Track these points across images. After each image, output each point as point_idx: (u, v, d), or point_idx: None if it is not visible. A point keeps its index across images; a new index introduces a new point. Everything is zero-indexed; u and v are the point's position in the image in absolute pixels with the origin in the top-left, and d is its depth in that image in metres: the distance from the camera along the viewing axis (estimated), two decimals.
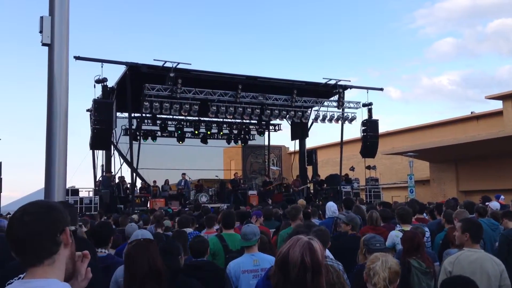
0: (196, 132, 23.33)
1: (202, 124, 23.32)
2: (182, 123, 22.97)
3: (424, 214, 8.37)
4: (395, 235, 5.75)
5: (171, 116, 20.98)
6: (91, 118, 17.42)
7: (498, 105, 26.84)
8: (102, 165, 20.08)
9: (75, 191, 17.90)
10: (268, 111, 19.60)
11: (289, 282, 1.78)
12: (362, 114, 21.42)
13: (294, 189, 21.36)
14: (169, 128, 23.11)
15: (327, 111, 20.82)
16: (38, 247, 1.52)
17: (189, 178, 21.09)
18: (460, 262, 3.82)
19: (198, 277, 3.62)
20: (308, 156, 23.66)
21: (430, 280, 4.23)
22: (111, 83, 17.43)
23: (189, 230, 6.58)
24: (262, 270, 4.14)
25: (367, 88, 21.20)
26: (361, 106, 21.20)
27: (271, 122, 24.78)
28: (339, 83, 20.06)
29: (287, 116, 20.53)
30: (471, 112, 29.50)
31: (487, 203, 8.65)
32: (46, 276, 1.51)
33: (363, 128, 21.12)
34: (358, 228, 5.87)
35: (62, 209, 1.64)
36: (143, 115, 20.68)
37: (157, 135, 22.95)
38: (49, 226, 1.55)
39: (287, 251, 1.84)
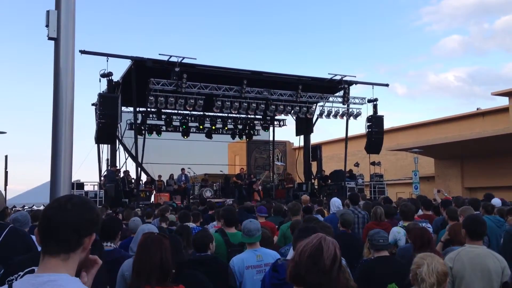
0: (201, 127, 23.34)
1: (207, 119, 23.33)
2: (187, 117, 22.99)
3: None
4: (396, 232, 5.78)
5: (176, 111, 21.01)
6: (96, 112, 17.47)
7: (504, 101, 26.69)
8: (107, 159, 20.15)
9: (80, 185, 18.05)
10: (273, 107, 19.56)
11: (318, 270, 1.88)
12: (367, 110, 21.35)
13: (286, 186, 21.38)
14: (174, 123, 23.14)
15: (332, 107, 20.78)
16: (64, 236, 1.53)
17: (194, 173, 21.13)
18: (461, 258, 3.83)
19: (201, 272, 3.64)
20: (313, 152, 23.63)
21: None
22: (116, 77, 17.49)
23: (192, 225, 6.57)
24: (266, 265, 4.15)
25: (373, 84, 21.11)
26: (366, 102, 21.11)
27: (276, 117, 24.74)
28: (344, 78, 19.99)
29: (292, 111, 20.48)
30: (477, 109, 29.32)
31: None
32: (58, 270, 1.51)
33: (368, 124, 21.05)
34: (349, 224, 5.84)
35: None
36: (148, 109, 20.74)
37: (162, 129, 23.00)
38: (83, 223, 1.57)
39: (318, 243, 1.92)
